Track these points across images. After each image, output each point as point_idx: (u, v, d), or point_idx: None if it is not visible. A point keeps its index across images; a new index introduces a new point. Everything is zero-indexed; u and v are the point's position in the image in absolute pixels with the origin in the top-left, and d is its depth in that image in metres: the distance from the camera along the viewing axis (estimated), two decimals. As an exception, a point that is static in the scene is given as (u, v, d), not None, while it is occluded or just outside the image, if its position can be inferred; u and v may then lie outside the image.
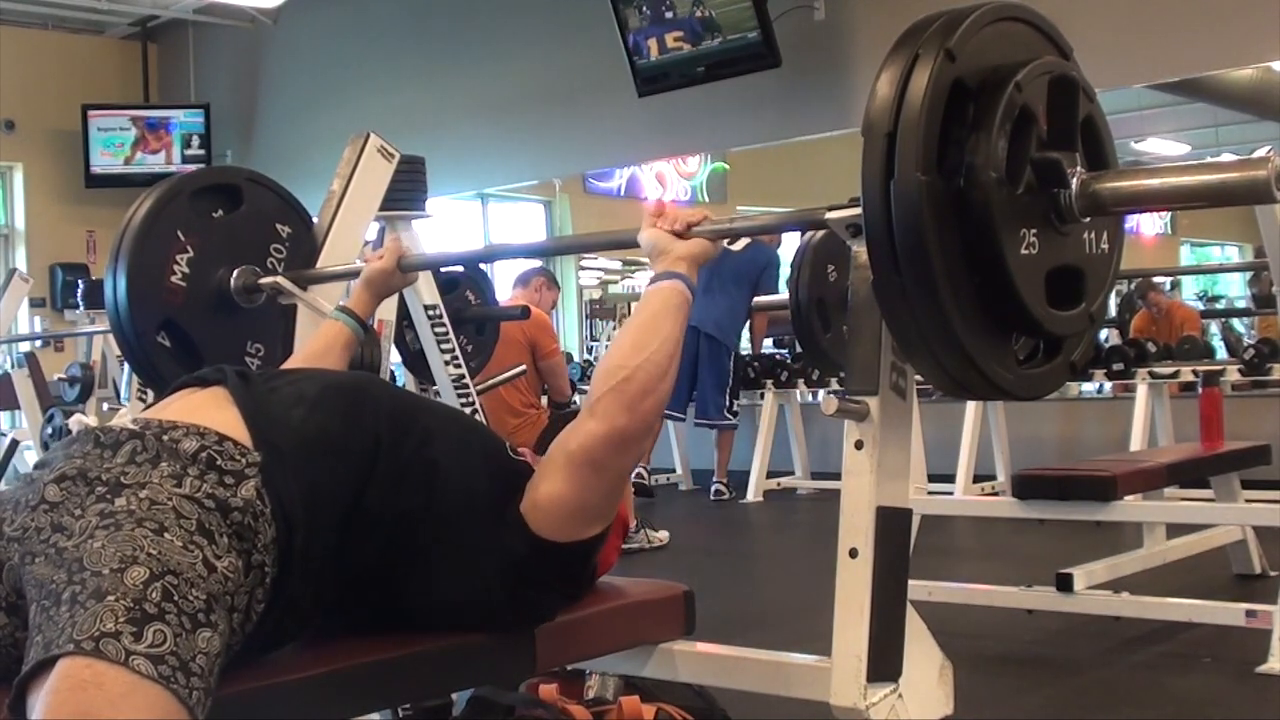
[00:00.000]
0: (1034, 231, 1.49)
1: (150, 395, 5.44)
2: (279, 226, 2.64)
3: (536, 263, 6.10)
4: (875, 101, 1.45)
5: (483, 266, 4.66)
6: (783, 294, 6.08)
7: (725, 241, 1.86)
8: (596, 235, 2.26)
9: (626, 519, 1.93)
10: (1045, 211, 1.50)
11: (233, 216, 2.62)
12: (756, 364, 7.32)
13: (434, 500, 1.52)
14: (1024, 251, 1.47)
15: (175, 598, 1.21)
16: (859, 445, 1.58)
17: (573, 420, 1.59)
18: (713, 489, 7.09)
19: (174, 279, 2.52)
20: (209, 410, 1.47)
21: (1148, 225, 14.37)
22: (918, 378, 1.63)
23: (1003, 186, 1.45)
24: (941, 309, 1.43)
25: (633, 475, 6.87)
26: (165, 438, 1.39)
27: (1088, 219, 1.53)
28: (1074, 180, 1.49)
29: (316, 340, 2.09)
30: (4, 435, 7.28)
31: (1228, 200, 1.46)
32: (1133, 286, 7.78)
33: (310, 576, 1.42)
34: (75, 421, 1.29)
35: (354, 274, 2.51)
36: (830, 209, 1.61)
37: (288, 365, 2.03)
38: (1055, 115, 1.50)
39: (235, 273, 2.57)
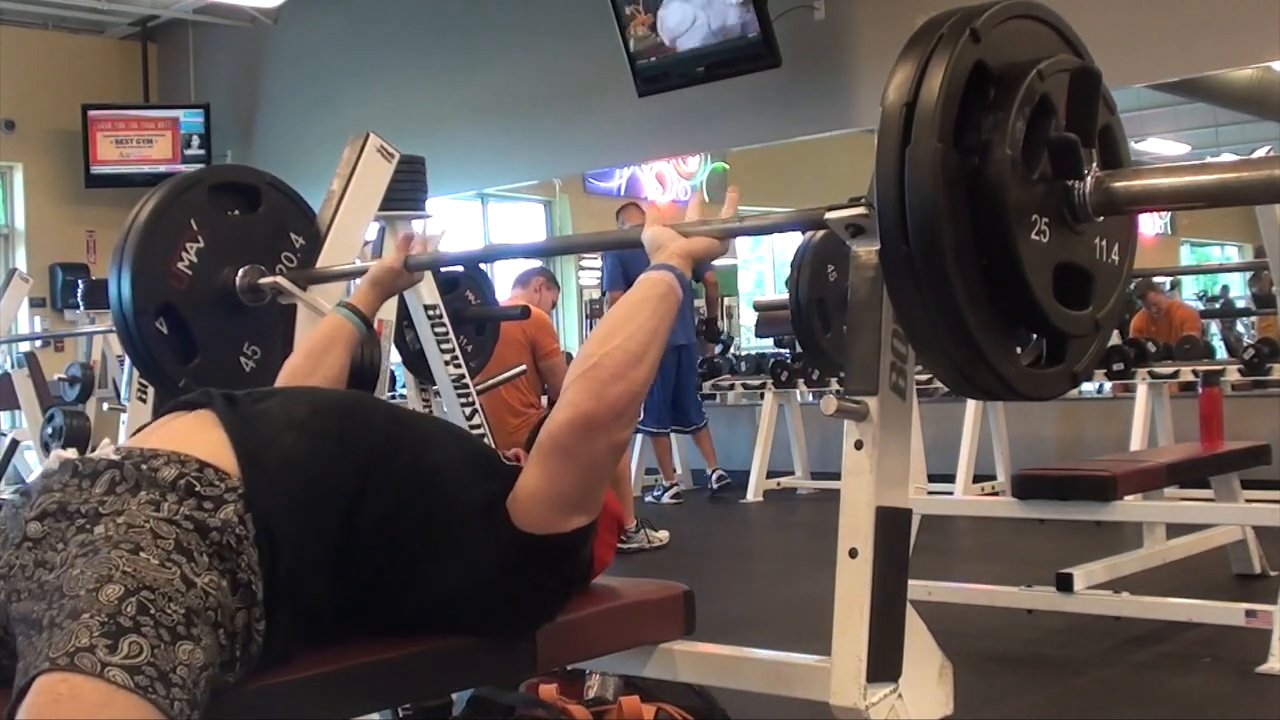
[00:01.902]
0: (1046, 220, 1.48)
1: (150, 392, 5.42)
2: (293, 235, 2.64)
3: (536, 263, 6.10)
4: (896, 76, 1.45)
5: (483, 266, 4.66)
6: (783, 294, 6.09)
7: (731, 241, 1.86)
8: (598, 235, 2.26)
9: (620, 515, 1.93)
10: (1059, 204, 1.50)
11: (249, 218, 2.63)
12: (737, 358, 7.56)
13: (433, 508, 1.52)
14: (1034, 237, 1.47)
15: (152, 611, 1.20)
16: (859, 445, 1.57)
17: None
18: (714, 478, 7.12)
19: (180, 265, 2.52)
20: (193, 435, 1.46)
21: (1148, 225, 14.36)
22: (918, 376, 1.63)
23: (1018, 167, 1.45)
24: (947, 282, 1.42)
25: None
26: (144, 466, 1.38)
27: (1100, 220, 1.53)
28: (1089, 176, 1.49)
29: (320, 334, 2.07)
30: (4, 435, 7.29)
31: (1245, 200, 1.45)
32: (1132, 286, 7.78)
33: (304, 597, 1.41)
34: (55, 457, 1.28)
35: (354, 274, 2.51)
36: (830, 209, 1.61)
37: (290, 361, 2.02)
38: (1074, 110, 1.50)
39: (241, 271, 2.57)
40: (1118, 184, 1.49)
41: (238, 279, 2.57)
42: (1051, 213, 1.49)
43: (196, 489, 1.37)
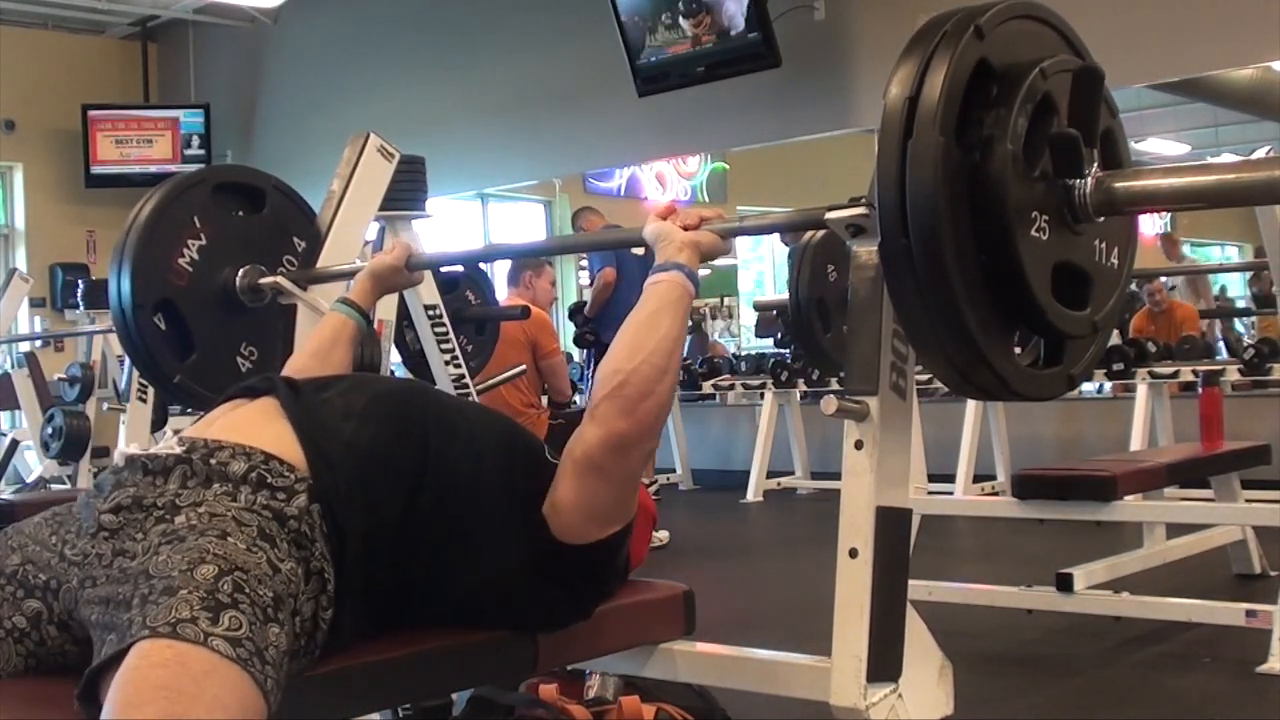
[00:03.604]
0: (1045, 219, 1.48)
1: (150, 392, 5.39)
2: (295, 239, 2.64)
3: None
4: (899, 71, 1.46)
5: (483, 266, 4.66)
6: (783, 294, 6.10)
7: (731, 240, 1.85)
8: (598, 235, 2.26)
9: (653, 510, 1.93)
10: (1059, 203, 1.50)
11: (252, 219, 2.64)
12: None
13: (482, 498, 1.53)
14: (1034, 234, 1.47)
15: (246, 590, 1.22)
16: (859, 445, 1.57)
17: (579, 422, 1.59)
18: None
19: (181, 261, 2.52)
20: (257, 425, 1.47)
21: (1147, 225, 14.34)
22: (918, 376, 1.63)
23: (1018, 163, 1.45)
24: (946, 276, 1.42)
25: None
26: (213, 461, 1.40)
27: (1101, 221, 1.53)
28: (1089, 176, 1.49)
29: (323, 332, 2.06)
30: (4, 435, 7.29)
31: (1245, 200, 1.45)
32: (1133, 285, 7.78)
33: (369, 585, 1.44)
34: (120, 454, 1.29)
35: (354, 274, 2.51)
36: (830, 209, 1.61)
37: (293, 359, 2.02)
38: (1076, 110, 1.50)
39: (242, 271, 2.57)
40: (1118, 184, 1.49)
41: (238, 278, 2.57)
42: (1051, 211, 1.49)
43: (268, 480, 1.39)
